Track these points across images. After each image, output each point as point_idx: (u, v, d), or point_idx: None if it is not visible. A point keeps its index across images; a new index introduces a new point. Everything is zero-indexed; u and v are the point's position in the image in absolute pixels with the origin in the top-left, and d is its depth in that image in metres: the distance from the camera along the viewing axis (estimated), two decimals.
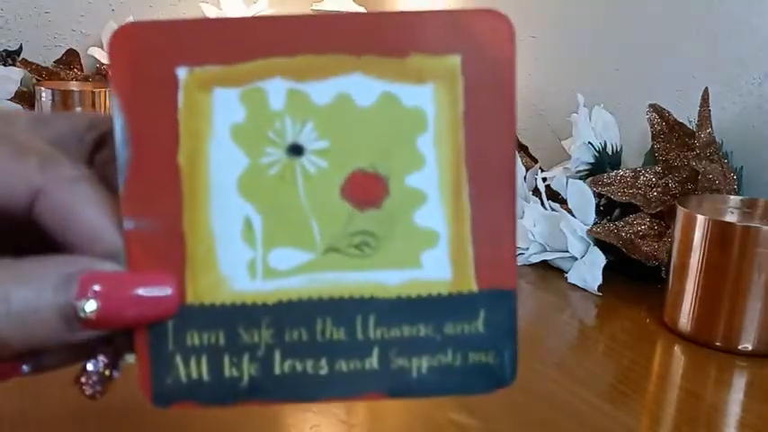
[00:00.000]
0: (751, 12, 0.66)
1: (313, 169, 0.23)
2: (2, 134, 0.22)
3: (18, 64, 1.16)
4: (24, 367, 0.23)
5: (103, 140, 0.25)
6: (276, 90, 0.22)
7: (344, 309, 0.23)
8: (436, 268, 0.23)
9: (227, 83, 0.22)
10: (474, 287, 0.23)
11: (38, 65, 1.17)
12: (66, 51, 1.22)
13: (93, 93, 1.06)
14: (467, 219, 0.23)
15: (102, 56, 1.21)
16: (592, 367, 0.48)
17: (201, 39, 0.22)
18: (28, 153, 0.22)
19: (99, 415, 0.36)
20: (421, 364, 0.23)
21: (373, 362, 0.23)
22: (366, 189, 0.23)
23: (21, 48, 1.19)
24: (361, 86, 0.22)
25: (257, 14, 1.26)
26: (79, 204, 0.22)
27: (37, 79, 1.13)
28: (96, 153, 0.25)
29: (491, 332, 0.24)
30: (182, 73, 0.22)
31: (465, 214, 0.23)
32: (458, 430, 0.38)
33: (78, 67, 1.21)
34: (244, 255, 0.23)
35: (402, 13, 0.23)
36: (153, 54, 0.22)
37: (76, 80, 1.13)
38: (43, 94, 1.01)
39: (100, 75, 1.20)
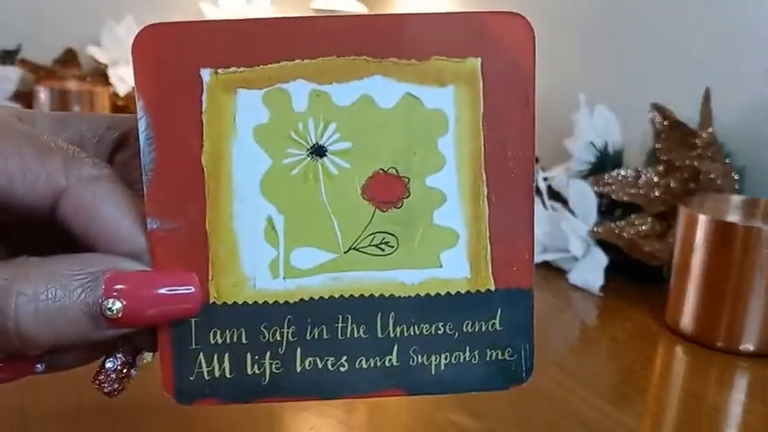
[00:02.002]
0: (751, 12, 0.66)
1: (335, 170, 0.23)
2: (25, 134, 0.22)
3: (17, 63, 1.16)
4: (39, 366, 0.23)
5: (124, 140, 0.25)
6: (299, 92, 0.23)
7: (364, 307, 0.23)
8: (455, 267, 0.24)
9: (251, 84, 0.22)
10: (491, 286, 0.24)
11: (36, 64, 1.16)
12: (64, 51, 1.21)
13: (91, 92, 1.06)
14: (485, 219, 0.23)
15: (100, 55, 1.21)
16: (593, 368, 0.48)
17: (225, 41, 0.22)
18: (51, 153, 0.22)
19: (99, 414, 0.36)
20: (439, 362, 0.24)
21: (393, 359, 0.24)
22: (387, 189, 0.23)
23: (19, 47, 1.19)
24: (382, 88, 0.23)
25: (257, 12, 1.26)
26: (103, 204, 0.22)
27: (35, 78, 1.12)
28: (116, 153, 0.26)
29: (508, 330, 0.24)
30: (206, 75, 0.22)
31: (483, 214, 0.23)
32: (458, 431, 0.37)
33: (76, 66, 1.21)
34: (266, 254, 0.23)
35: (422, 15, 0.23)
36: (177, 56, 0.22)
37: (75, 79, 1.13)
38: (42, 94, 1.01)
39: (98, 74, 1.20)
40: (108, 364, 0.23)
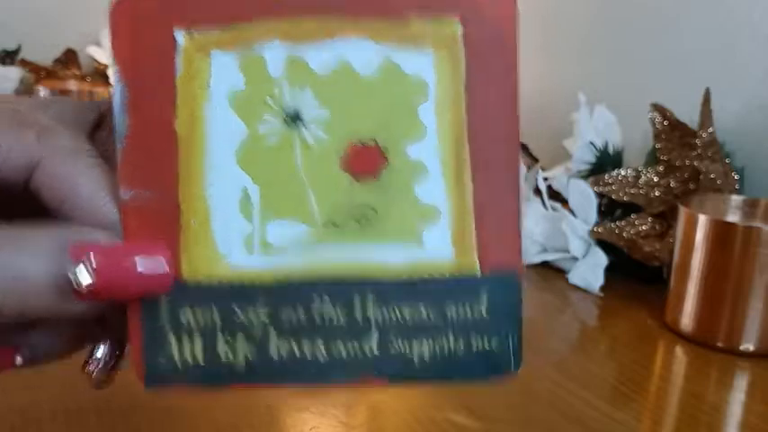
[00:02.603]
0: (752, 11, 0.66)
1: (312, 139, 0.22)
2: (1, 107, 0.22)
3: (17, 63, 1.16)
4: (18, 358, 0.23)
5: (102, 120, 0.25)
6: (275, 56, 0.22)
7: (343, 288, 0.22)
8: (438, 247, 0.23)
9: (225, 46, 0.22)
10: (477, 269, 0.23)
11: (36, 64, 1.16)
12: (64, 51, 1.22)
13: (91, 92, 1.06)
14: (469, 196, 0.22)
15: (100, 55, 1.21)
16: (593, 368, 0.48)
17: (200, 0, 0.22)
18: (27, 125, 0.22)
19: (99, 414, 0.36)
20: (422, 350, 0.23)
21: (373, 346, 0.23)
22: (366, 160, 0.22)
23: (19, 47, 1.19)
24: (360, 52, 0.22)
25: None
26: (76, 175, 0.21)
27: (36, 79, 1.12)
28: (95, 132, 0.25)
29: (495, 318, 0.23)
30: (180, 37, 0.22)
31: (467, 191, 0.22)
32: (457, 431, 0.37)
33: (76, 66, 1.21)
34: (240, 228, 0.22)
35: None
36: (152, 19, 0.21)
37: (75, 79, 1.13)
38: (42, 94, 1.01)
39: (98, 74, 1.20)
40: (97, 353, 0.23)
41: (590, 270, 0.61)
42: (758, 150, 0.64)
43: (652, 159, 0.66)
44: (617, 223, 0.62)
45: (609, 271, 0.61)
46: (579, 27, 0.86)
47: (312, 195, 0.22)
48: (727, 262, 0.49)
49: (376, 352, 0.23)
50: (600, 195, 0.64)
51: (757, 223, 0.54)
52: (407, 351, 0.23)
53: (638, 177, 0.64)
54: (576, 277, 0.62)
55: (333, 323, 0.22)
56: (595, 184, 0.64)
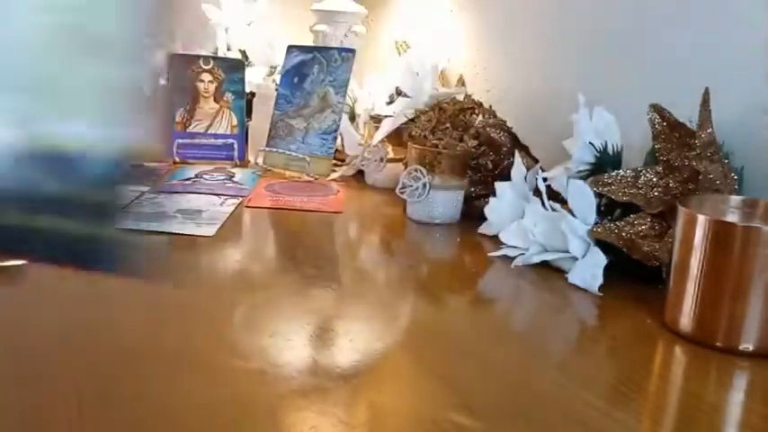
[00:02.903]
0: (751, 12, 0.66)
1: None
2: None
3: None
4: None
5: None
6: None
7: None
8: (98, 125, 0.23)
9: None
10: (116, 150, 0.23)
11: None
12: None
13: None
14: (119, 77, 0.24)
15: None
16: (592, 368, 0.48)
17: None
18: None
19: (104, 411, 0.36)
20: (74, 230, 0.23)
21: (41, 224, 0.23)
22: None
23: None
24: None
25: (257, 13, 1.25)
26: None
27: None
28: None
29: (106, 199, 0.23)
30: None
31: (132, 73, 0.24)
32: (458, 431, 0.37)
33: None
34: None
35: None
36: None
37: None
38: None
39: None
40: None
41: (589, 270, 0.61)
42: (757, 150, 0.64)
43: (651, 159, 0.66)
44: (616, 223, 0.62)
45: (608, 271, 0.61)
46: (579, 27, 0.86)
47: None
48: (726, 262, 0.49)
49: (43, 229, 0.23)
50: (599, 195, 0.64)
51: (756, 223, 0.54)
52: (63, 230, 0.23)
53: (637, 177, 0.64)
54: (575, 277, 0.62)
55: (55, 197, 0.23)
56: (595, 184, 0.64)
